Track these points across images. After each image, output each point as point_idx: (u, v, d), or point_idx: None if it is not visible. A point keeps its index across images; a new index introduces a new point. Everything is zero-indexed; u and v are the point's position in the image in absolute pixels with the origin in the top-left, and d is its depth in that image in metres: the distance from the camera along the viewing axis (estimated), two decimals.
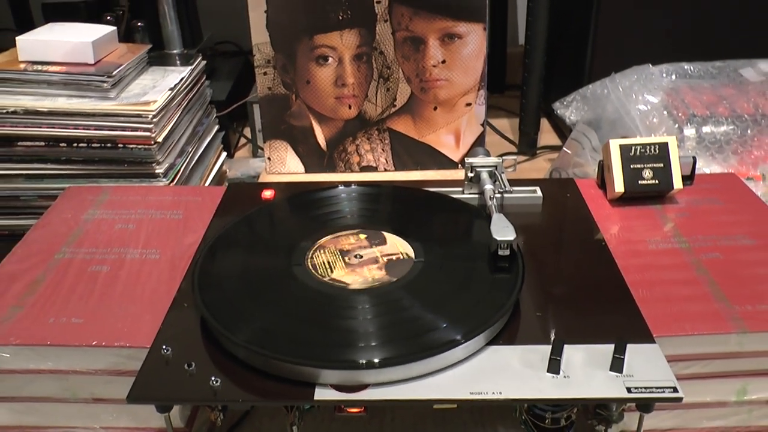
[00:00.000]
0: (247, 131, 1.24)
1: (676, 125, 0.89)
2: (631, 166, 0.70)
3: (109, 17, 1.13)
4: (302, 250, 0.61)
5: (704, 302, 0.56)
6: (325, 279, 0.57)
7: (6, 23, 1.50)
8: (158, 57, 1.02)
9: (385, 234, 0.63)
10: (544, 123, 1.30)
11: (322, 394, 0.47)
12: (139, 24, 1.14)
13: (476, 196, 0.72)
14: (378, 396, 0.47)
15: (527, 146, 1.21)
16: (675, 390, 0.46)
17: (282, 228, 0.68)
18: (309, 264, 0.59)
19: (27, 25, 1.40)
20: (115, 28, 0.94)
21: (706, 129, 0.88)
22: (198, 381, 0.48)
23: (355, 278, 0.56)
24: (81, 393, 0.56)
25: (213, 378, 0.47)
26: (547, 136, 1.27)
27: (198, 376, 0.48)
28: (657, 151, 0.70)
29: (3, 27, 1.53)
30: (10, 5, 1.41)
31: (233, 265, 0.60)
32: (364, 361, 0.47)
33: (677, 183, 0.70)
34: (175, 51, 1.17)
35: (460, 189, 0.72)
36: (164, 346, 0.50)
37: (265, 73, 0.91)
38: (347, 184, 0.72)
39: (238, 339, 0.49)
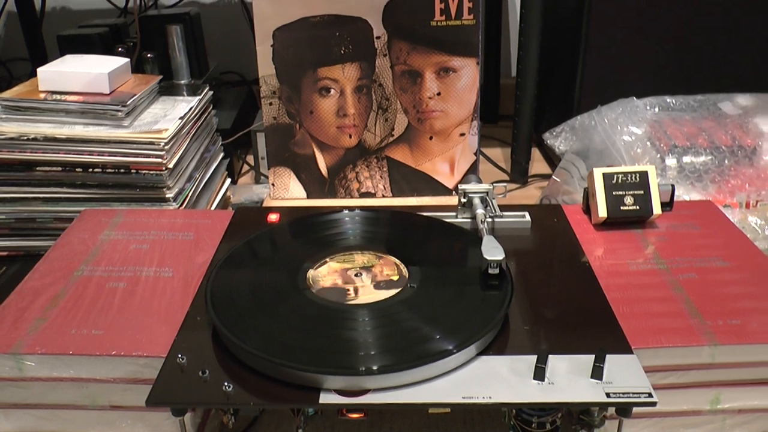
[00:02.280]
0: (250, 158, 1.29)
1: (659, 155, 0.94)
2: (614, 193, 0.75)
3: (120, 48, 1.18)
4: (308, 267, 0.65)
5: (679, 318, 0.60)
6: (328, 294, 0.61)
7: (19, 53, 1.56)
8: (167, 87, 1.08)
9: (385, 254, 0.67)
10: (536, 152, 1.35)
11: (326, 398, 0.51)
12: (149, 55, 1.20)
13: (469, 220, 0.76)
14: (378, 400, 0.51)
15: (519, 174, 1.26)
16: (650, 395, 0.51)
17: (289, 247, 0.73)
18: (314, 280, 0.63)
19: (39, 54, 1.46)
20: (128, 60, 0.99)
21: (686, 159, 0.93)
22: (212, 386, 0.52)
23: (356, 293, 0.61)
24: (100, 400, 0.59)
25: (226, 383, 0.51)
26: (538, 164, 1.32)
27: (212, 382, 0.52)
28: (638, 179, 0.75)
29: (17, 57, 1.59)
30: (24, 35, 1.46)
31: (244, 280, 0.64)
32: (363, 368, 0.51)
33: (656, 209, 0.75)
34: (183, 81, 1.23)
35: (454, 214, 0.77)
36: (179, 355, 0.55)
37: (270, 104, 0.96)
38: (351, 208, 0.76)
39: (250, 347, 0.53)
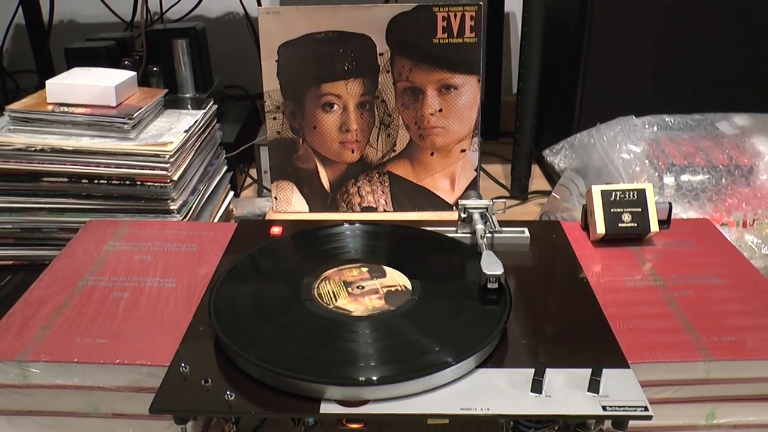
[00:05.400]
0: (253, 172, 1.30)
1: (657, 174, 0.95)
2: (612, 210, 0.76)
3: (127, 62, 1.20)
4: (310, 280, 0.66)
5: (675, 334, 0.61)
6: (330, 306, 0.62)
7: (27, 65, 1.58)
8: (173, 100, 1.09)
9: (385, 268, 0.68)
10: (536, 169, 1.36)
11: (326, 408, 0.52)
12: (155, 69, 1.22)
13: (468, 235, 0.77)
14: (377, 410, 0.51)
15: (519, 191, 1.27)
16: (646, 409, 0.51)
17: (291, 260, 0.74)
18: (316, 293, 0.64)
19: (47, 67, 1.48)
20: (135, 73, 1.00)
21: (684, 178, 0.94)
22: (214, 395, 0.53)
23: (357, 306, 0.62)
24: (103, 408, 0.60)
25: (228, 392, 0.52)
26: (537, 181, 1.33)
27: (214, 391, 0.53)
28: (635, 197, 0.76)
29: (24, 69, 1.61)
30: (32, 48, 1.48)
31: (246, 291, 0.65)
32: (364, 379, 0.52)
33: (654, 226, 0.76)
34: (188, 95, 1.24)
35: (454, 228, 0.78)
36: (182, 364, 0.55)
37: (274, 118, 0.97)
38: (351, 222, 0.77)
39: (251, 357, 0.54)
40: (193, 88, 1.26)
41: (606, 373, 0.54)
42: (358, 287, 0.65)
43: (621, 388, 0.53)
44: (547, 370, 0.54)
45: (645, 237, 0.77)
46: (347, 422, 0.54)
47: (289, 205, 1.00)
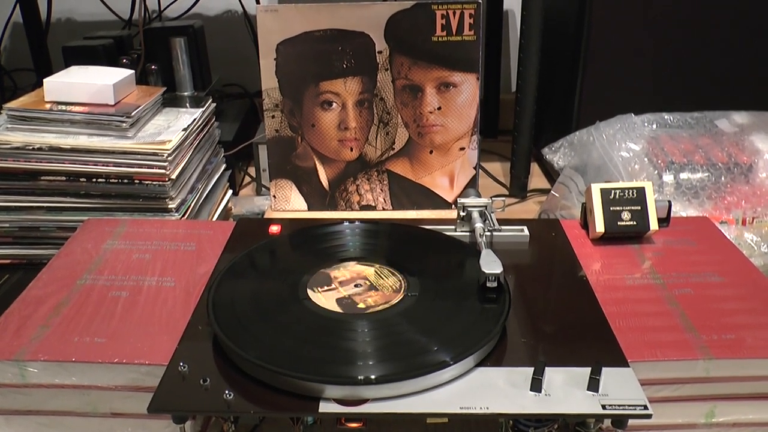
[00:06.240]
0: (252, 170, 1.30)
1: (656, 172, 0.95)
2: (611, 209, 0.76)
3: (125, 60, 1.20)
4: (308, 278, 0.66)
5: (675, 332, 0.61)
6: (328, 304, 0.62)
7: (25, 63, 1.57)
8: (171, 99, 1.09)
9: (384, 266, 0.68)
10: (535, 167, 1.36)
11: (326, 407, 0.51)
12: (153, 67, 1.21)
13: (468, 233, 0.77)
14: (376, 409, 0.51)
15: (518, 189, 1.27)
16: (645, 408, 0.51)
17: (290, 258, 0.74)
18: (314, 290, 0.64)
19: (44, 65, 1.47)
20: (133, 71, 1.00)
21: (683, 176, 0.94)
22: (212, 394, 0.52)
23: (356, 304, 0.62)
24: (101, 407, 0.60)
25: (227, 391, 0.52)
26: (537, 179, 1.33)
27: (212, 390, 0.53)
28: (635, 195, 0.76)
29: (22, 67, 1.61)
30: (30, 46, 1.47)
31: (245, 290, 0.65)
32: (363, 378, 0.52)
33: (653, 224, 0.76)
34: (186, 93, 1.24)
35: (453, 227, 0.78)
36: (181, 363, 0.55)
37: (273, 117, 0.97)
38: (351, 221, 0.77)
39: (250, 356, 0.54)
40: (191, 86, 1.26)
41: (605, 371, 0.54)
42: (356, 285, 0.65)
43: (620, 386, 0.53)
44: (547, 368, 0.54)
45: (644, 235, 0.77)
46: (346, 421, 0.53)
47: (288, 203, 1.00)
